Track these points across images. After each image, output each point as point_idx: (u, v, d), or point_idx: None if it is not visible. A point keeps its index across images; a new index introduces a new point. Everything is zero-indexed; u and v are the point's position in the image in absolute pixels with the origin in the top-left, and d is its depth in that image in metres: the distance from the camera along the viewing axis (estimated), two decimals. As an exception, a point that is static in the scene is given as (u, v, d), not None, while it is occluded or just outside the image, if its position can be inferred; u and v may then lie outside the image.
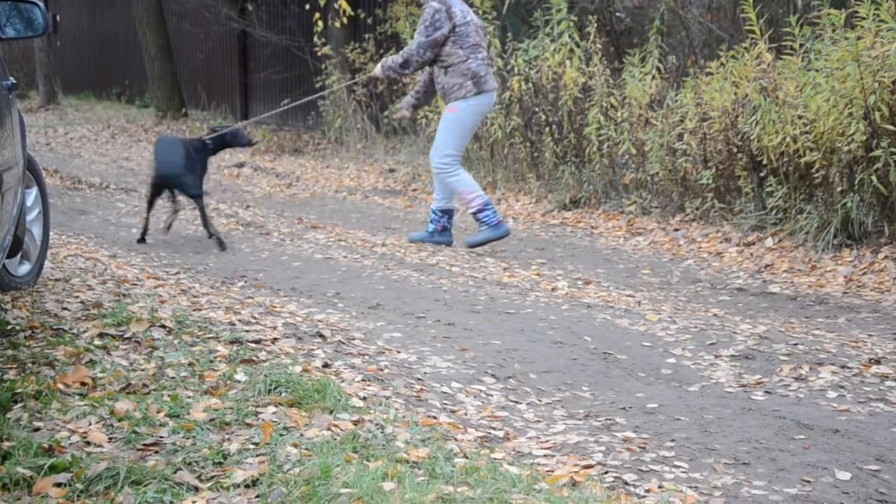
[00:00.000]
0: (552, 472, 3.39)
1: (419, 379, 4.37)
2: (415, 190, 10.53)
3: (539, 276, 6.79)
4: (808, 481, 3.43)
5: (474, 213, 7.42)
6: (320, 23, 12.27)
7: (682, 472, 3.51)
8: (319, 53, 12.49)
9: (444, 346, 4.92)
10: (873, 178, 6.71)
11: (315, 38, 12.32)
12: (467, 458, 3.34)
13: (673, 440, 3.81)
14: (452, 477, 3.05)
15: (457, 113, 7.29)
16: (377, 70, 7.55)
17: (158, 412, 3.53)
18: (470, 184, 7.42)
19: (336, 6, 12.01)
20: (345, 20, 12.23)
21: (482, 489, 2.91)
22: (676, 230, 7.98)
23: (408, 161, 11.36)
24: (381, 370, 4.40)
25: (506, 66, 9.94)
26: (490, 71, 7.39)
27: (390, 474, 2.95)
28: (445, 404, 4.12)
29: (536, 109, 9.51)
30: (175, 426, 3.43)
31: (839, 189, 6.98)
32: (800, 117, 7.21)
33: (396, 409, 3.86)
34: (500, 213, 8.93)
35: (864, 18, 6.95)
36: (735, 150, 7.74)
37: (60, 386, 3.76)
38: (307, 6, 12.49)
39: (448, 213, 7.58)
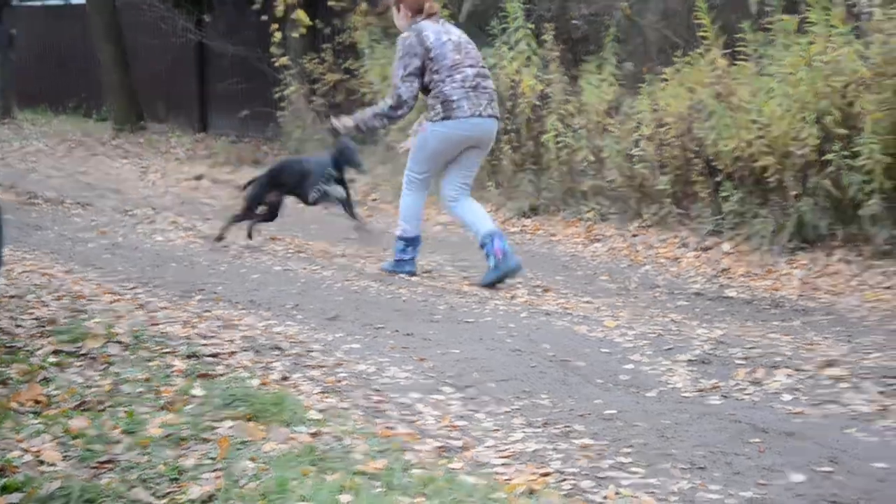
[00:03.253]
0: (510, 480, 3.40)
1: (378, 390, 4.37)
2: (374, 200, 10.52)
3: (498, 283, 6.80)
4: (763, 484, 3.46)
5: (397, 237, 6.92)
6: (278, 33, 12.24)
7: (640, 477, 3.53)
8: (277, 64, 12.46)
9: (403, 357, 4.92)
10: (826, 181, 6.79)
11: (273, 49, 12.29)
12: (425, 468, 3.34)
13: (630, 446, 3.83)
14: (409, 488, 3.05)
15: (424, 134, 6.78)
16: (349, 121, 6.87)
17: (114, 429, 3.50)
18: (413, 212, 6.85)
19: (293, 17, 11.99)
20: (303, 30, 12.21)
21: (439, 500, 2.91)
22: (634, 236, 8.03)
23: (367, 171, 11.33)
24: (340, 382, 4.40)
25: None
26: (472, 94, 6.59)
27: (347, 487, 2.95)
28: (404, 415, 4.12)
29: (494, 118, 9.52)
30: (130, 443, 3.41)
31: (793, 193, 7.05)
32: (754, 122, 7.29)
33: (355, 421, 3.86)
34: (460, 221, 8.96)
35: (815, 24, 7.04)
36: (691, 155, 7.80)
37: (14, 405, 3.72)
38: (264, 17, 12.46)
39: (413, 241, 6.91)
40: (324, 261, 7.39)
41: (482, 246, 6.65)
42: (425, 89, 6.69)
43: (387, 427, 3.87)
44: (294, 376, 4.34)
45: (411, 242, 6.87)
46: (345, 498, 2.86)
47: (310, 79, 12.55)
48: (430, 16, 6.75)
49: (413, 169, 6.87)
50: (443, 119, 6.61)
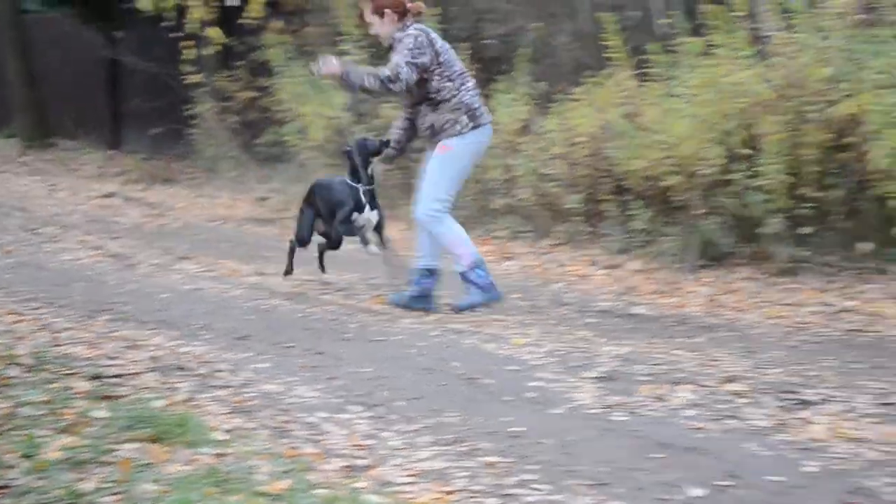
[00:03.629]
0: (414, 499, 3.41)
1: (285, 410, 4.35)
2: (287, 218, 10.47)
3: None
4: (664, 499, 3.52)
5: (463, 273, 6.40)
6: (191, 51, 12.14)
7: (544, 494, 3.57)
8: (189, 82, 12.35)
9: (313, 376, 4.91)
10: (730, 201, 6.94)
11: (185, 67, 12.18)
12: (329, 488, 3.34)
13: (536, 463, 3.87)
14: (312, 509, 3.05)
15: (453, 151, 6.30)
16: (335, 63, 6.24)
17: (10, 453, 3.44)
18: (461, 237, 6.41)
19: (206, 34, 11.90)
20: (216, 48, 12.12)
21: (340, 520, 2.92)
22: (546, 254, 8.11)
23: (281, 189, 11.30)
24: (247, 402, 4.37)
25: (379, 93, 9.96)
26: (482, 100, 6.53)
27: (248, 508, 2.94)
28: (311, 434, 4.11)
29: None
30: (28, 467, 3.35)
31: (699, 212, 7.20)
32: (662, 142, 7.42)
33: (261, 442, 3.83)
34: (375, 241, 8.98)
35: (719, 46, 7.21)
36: (601, 174, 7.92)
37: None
38: (177, 34, 12.35)
39: (434, 272, 6.54)
40: (234, 280, 7.34)
41: (417, 273, 6.49)
42: (427, 95, 6.33)
43: (292, 447, 3.86)
44: (200, 397, 4.30)
45: (477, 264, 6.41)
46: (246, 520, 2.85)
47: (222, 96, 12.46)
48: (416, 16, 6.45)
49: (446, 190, 6.37)
50: (472, 129, 6.34)
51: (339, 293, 6.96)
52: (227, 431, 3.87)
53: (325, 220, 6.59)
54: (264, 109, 11.57)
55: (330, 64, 6.23)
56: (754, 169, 6.82)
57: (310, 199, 6.72)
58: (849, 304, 6.25)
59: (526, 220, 8.60)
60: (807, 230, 6.66)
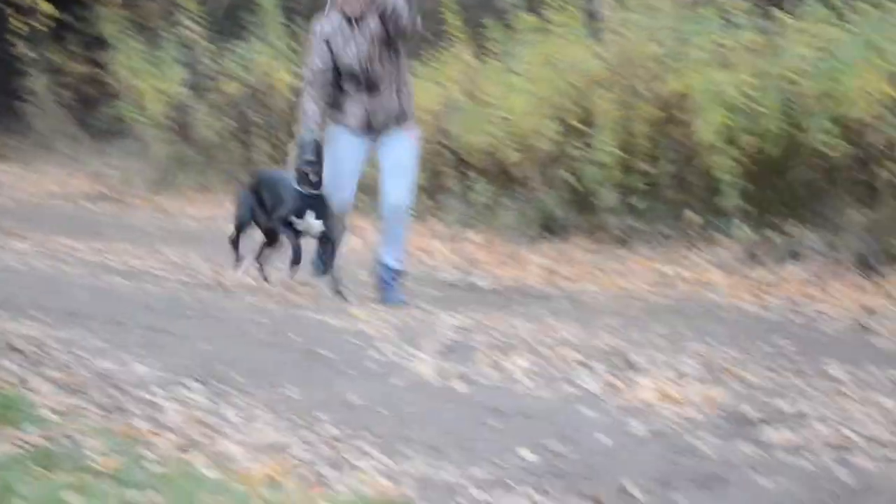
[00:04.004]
0: (251, 472, 3.40)
1: (119, 387, 4.27)
2: (125, 194, 10.25)
3: (251, 277, 6.77)
4: (497, 463, 3.60)
5: (398, 272, 6.20)
6: (21, 23, 11.70)
7: (380, 463, 3.60)
8: (20, 55, 11.90)
9: (148, 353, 4.82)
10: (567, 174, 7.11)
11: (15, 39, 11.73)
12: (163, 464, 3.30)
13: (373, 433, 3.90)
14: (144, 484, 3.01)
15: (418, 139, 6.24)
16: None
17: None
18: None
19: (37, 6, 11.50)
20: (49, 21, 11.72)
21: (174, 494, 2.89)
22: (389, 229, 8.13)
23: (118, 165, 11.03)
24: (78, 380, 4.27)
25: (217, 69, 9.83)
26: None
27: (76, 486, 2.88)
28: (146, 411, 4.05)
29: (249, 111, 9.47)
30: None
31: (538, 185, 7.35)
32: (501, 117, 7.54)
33: (91, 420, 3.76)
34: (215, 216, 8.86)
35: (555, 24, 7.35)
36: (442, 149, 8.00)
37: None
38: (7, 6, 11.89)
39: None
40: (69, 257, 7.15)
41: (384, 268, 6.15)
42: (395, 75, 6.01)
43: (127, 424, 3.80)
44: (29, 376, 4.19)
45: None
46: (73, 497, 2.79)
47: (56, 70, 12.06)
48: None
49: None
50: None
51: (177, 270, 6.85)
52: (56, 411, 3.78)
53: (268, 212, 6.14)
54: (100, 84, 11.26)
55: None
56: (589, 143, 7.00)
57: (254, 187, 6.30)
58: (678, 272, 6.49)
59: (367, 194, 8.60)
60: (639, 202, 6.87)
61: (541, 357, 4.91)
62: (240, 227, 6.35)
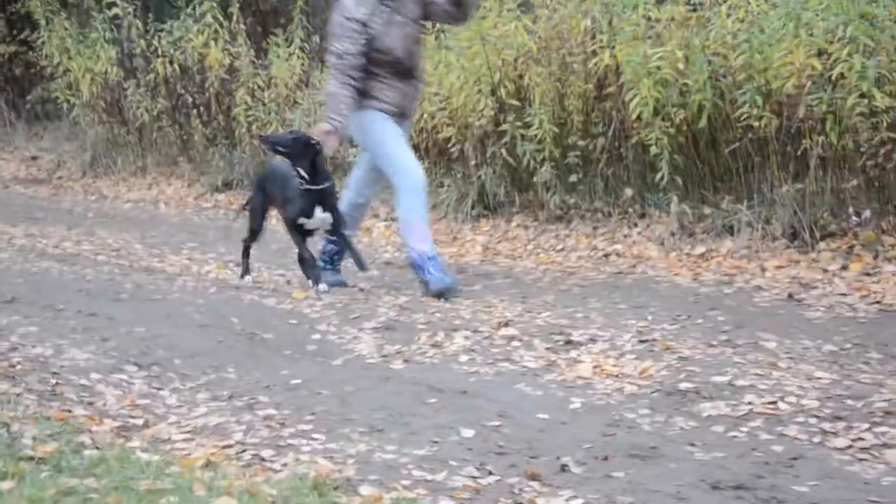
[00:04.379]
0: (189, 455, 3.40)
1: (55, 373, 4.23)
2: (60, 178, 10.10)
3: (190, 260, 6.73)
4: (436, 441, 3.62)
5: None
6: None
7: (319, 443, 3.62)
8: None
9: (85, 338, 4.78)
10: (503, 151, 7.13)
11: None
12: (100, 449, 3.29)
13: (313, 414, 3.91)
14: (80, 470, 2.99)
15: None
16: (329, 129, 5.58)
17: None
18: None
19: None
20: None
21: (109, 479, 2.88)
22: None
23: (52, 148, 10.87)
24: (13, 367, 4.22)
25: (149, 48, 9.70)
26: None
27: (11, 473, 2.86)
28: (83, 397, 4.02)
29: (183, 92, 9.37)
30: None
31: (473, 163, 7.37)
32: (436, 94, 7.53)
33: (27, 406, 3.72)
34: (152, 198, 8.79)
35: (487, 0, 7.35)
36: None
37: None
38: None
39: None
40: (3, 243, 7.04)
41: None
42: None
43: (63, 410, 3.77)
44: (-39, 365, 4.13)
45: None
46: (6, 484, 2.77)
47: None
48: None
49: None
50: None
51: (113, 254, 6.78)
52: (-10, 398, 3.74)
53: (280, 208, 5.90)
54: (30, 65, 11.06)
55: (327, 139, 5.59)
56: (524, 119, 7.02)
57: (262, 186, 6.01)
58: (615, 247, 6.55)
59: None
60: (575, 178, 6.92)
61: (481, 335, 4.94)
62: (254, 237, 6.06)
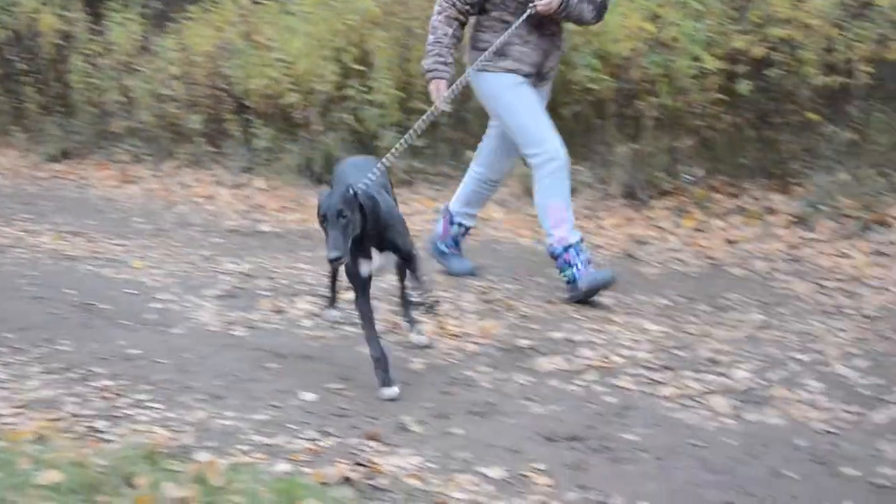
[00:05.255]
0: (19, 429, 3.30)
1: None
2: None
3: (24, 231, 6.50)
4: (277, 406, 3.62)
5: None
6: None
7: (157, 412, 3.57)
8: None
9: None
10: (347, 116, 7.10)
11: None
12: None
13: (151, 383, 3.85)
14: None
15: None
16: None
17: None
18: None
19: None
20: None
21: (-68, 457, 2.78)
22: (169, 176, 7.96)
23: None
24: None
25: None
26: None
27: None
28: None
29: (15, 58, 9.02)
30: None
31: (318, 128, 7.32)
32: (280, 60, 7.44)
33: None
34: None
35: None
36: (221, 94, 7.84)
37: None
38: None
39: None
40: None
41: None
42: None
43: None
44: None
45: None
46: None
47: None
48: None
49: None
50: None
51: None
52: None
53: None
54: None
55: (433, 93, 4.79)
56: (368, 84, 7.00)
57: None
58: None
59: (147, 142, 8.37)
60: (420, 142, 6.93)
61: (323, 299, 4.92)
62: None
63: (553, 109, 6.48)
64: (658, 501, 2.81)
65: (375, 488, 2.93)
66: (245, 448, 3.22)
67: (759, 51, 5.87)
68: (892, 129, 5.76)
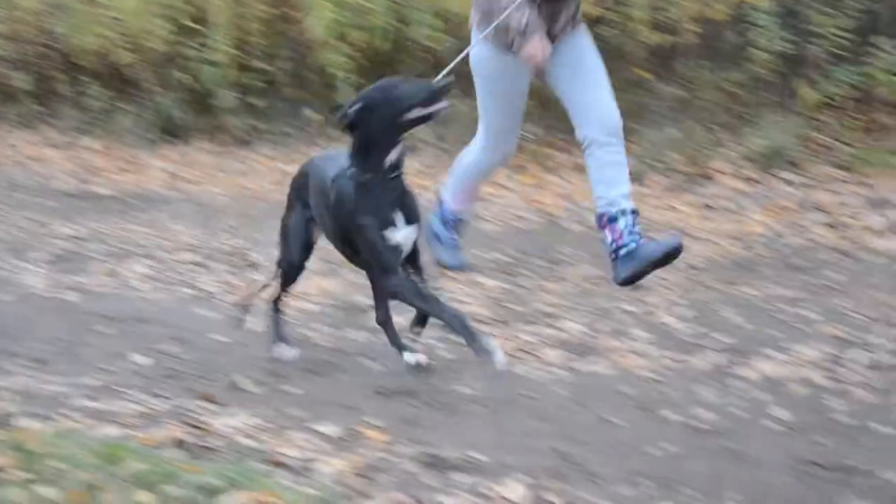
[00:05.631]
0: None
1: None
2: None
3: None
4: (108, 370, 3.53)
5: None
6: None
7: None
8: None
9: None
10: (184, 75, 6.95)
11: None
12: None
13: (-27, 351, 3.72)
14: None
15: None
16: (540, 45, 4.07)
17: None
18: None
19: None
20: None
21: None
22: (-3, 138, 7.67)
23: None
24: None
25: None
26: None
27: None
28: None
29: None
30: None
31: (154, 88, 7.14)
32: (114, 18, 7.22)
33: None
34: None
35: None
36: (49, 52, 7.57)
37: None
38: None
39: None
40: None
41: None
42: None
43: None
44: None
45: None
46: None
47: None
48: None
49: None
50: None
51: None
52: None
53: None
54: None
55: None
56: (204, 43, 6.86)
57: (301, 193, 3.65)
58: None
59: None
60: (258, 101, 6.85)
61: (159, 262, 4.85)
62: (290, 267, 3.76)
63: (392, 67, 6.49)
64: (489, 451, 2.85)
65: (207, 448, 2.90)
66: (72, 414, 3.14)
67: (594, 11, 5.97)
68: (717, 87, 5.95)
